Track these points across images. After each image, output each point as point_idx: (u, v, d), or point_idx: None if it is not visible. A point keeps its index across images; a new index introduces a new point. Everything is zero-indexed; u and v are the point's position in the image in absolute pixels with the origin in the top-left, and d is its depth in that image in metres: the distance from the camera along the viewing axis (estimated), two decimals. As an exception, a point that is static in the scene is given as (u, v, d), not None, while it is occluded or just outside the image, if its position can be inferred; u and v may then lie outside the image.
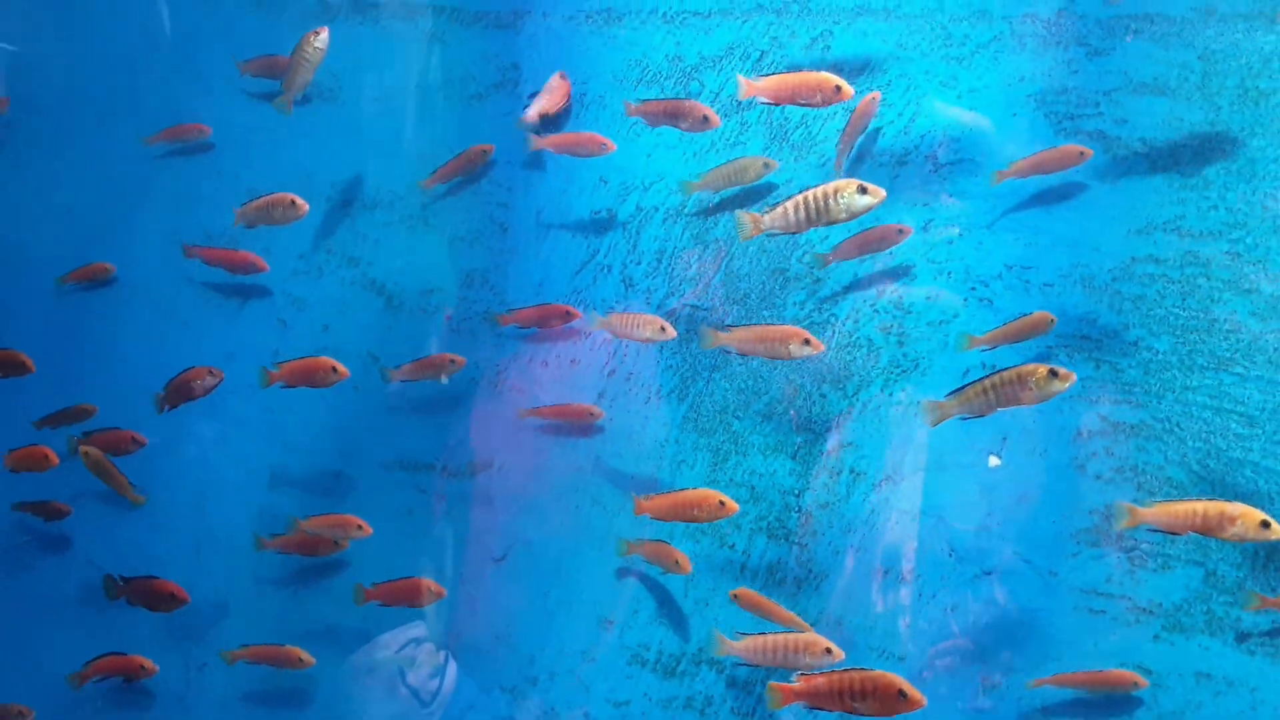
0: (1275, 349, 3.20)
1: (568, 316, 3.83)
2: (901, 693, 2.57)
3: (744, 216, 3.05)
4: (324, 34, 3.57)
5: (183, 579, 3.76)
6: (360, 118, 4.19)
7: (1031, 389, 2.84)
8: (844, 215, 2.88)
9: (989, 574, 3.38)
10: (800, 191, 2.97)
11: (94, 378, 4.12)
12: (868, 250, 3.51)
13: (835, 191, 2.87)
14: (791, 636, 2.98)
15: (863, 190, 2.85)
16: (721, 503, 3.23)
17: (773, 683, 2.71)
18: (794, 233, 2.99)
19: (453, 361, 3.79)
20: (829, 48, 3.84)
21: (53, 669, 4.08)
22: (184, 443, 4.14)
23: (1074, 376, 2.86)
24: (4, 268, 4.27)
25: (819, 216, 2.89)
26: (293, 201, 3.67)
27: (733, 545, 3.62)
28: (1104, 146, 3.46)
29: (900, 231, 3.45)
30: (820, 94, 3.14)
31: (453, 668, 3.74)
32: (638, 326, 3.63)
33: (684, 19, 3.99)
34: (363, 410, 3.98)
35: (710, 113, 3.52)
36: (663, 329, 3.58)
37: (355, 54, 4.20)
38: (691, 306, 3.79)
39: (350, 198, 4.15)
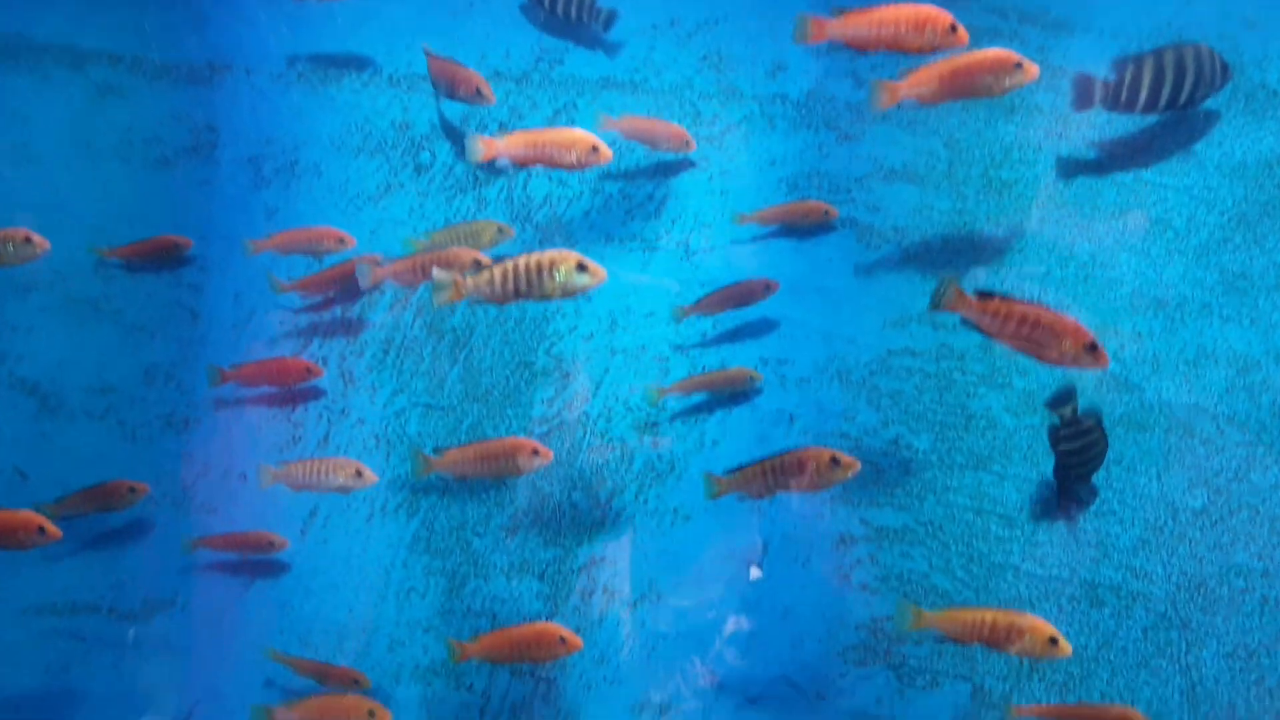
0: (1029, 446, 3.10)
1: (308, 374, 3.23)
2: None
3: (442, 275, 2.52)
4: None
5: None
6: (9, 181, 3.45)
7: (811, 474, 2.68)
8: (558, 292, 2.47)
9: (754, 702, 3.06)
10: (511, 257, 2.54)
11: None
12: (730, 306, 3.20)
13: (551, 264, 2.45)
14: None
15: (582, 268, 2.46)
16: (563, 639, 2.76)
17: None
18: (499, 303, 2.53)
19: (132, 490, 3.10)
20: (573, 121, 3.52)
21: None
22: None
23: (857, 464, 2.69)
24: None
25: (529, 289, 2.46)
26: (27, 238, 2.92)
27: (470, 686, 3.13)
28: (857, 234, 3.31)
29: (767, 287, 3.17)
30: (575, 153, 2.75)
31: None
32: (327, 474, 3.00)
33: (412, 82, 3.56)
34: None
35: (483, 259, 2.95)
36: (359, 473, 3.00)
37: (4, 105, 3.48)
38: (425, 405, 3.31)
39: (-6, 277, 3.39)
